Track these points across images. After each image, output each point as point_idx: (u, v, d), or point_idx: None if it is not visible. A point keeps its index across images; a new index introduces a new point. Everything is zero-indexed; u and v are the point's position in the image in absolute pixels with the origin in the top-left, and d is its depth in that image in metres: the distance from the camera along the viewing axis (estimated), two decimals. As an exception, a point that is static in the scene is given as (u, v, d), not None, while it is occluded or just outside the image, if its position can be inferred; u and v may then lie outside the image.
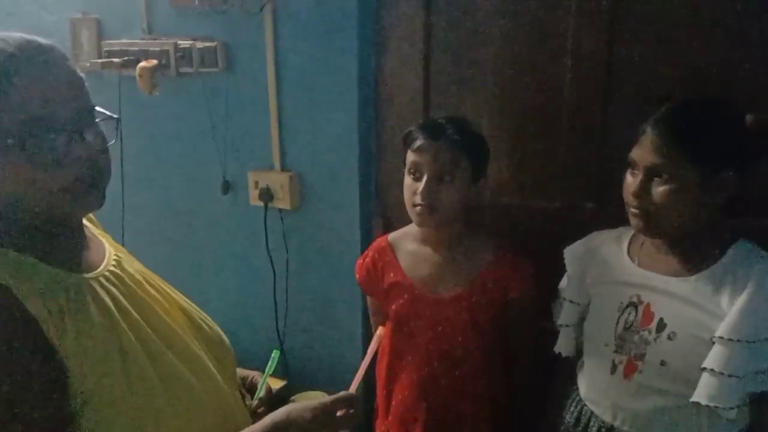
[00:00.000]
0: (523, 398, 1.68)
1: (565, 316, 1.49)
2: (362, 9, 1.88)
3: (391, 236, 1.73)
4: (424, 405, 1.64)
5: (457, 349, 1.60)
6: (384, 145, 1.98)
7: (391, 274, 1.67)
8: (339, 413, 1.12)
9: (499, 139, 1.74)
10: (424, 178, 1.52)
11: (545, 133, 1.72)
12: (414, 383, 1.66)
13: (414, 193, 1.54)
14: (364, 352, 2.10)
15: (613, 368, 1.37)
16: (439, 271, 1.63)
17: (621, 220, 1.43)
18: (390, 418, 1.72)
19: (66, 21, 2.34)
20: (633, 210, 1.32)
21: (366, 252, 1.77)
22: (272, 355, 1.30)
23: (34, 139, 0.89)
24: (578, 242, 1.51)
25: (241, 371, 1.27)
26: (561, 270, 1.54)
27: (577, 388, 1.49)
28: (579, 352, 1.51)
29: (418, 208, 1.54)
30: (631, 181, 1.31)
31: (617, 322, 1.37)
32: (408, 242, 1.69)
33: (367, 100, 1.96)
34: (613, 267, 1.42)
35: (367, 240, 2.02)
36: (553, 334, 1.54)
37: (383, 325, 1.55)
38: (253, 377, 1.30)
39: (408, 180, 1.57)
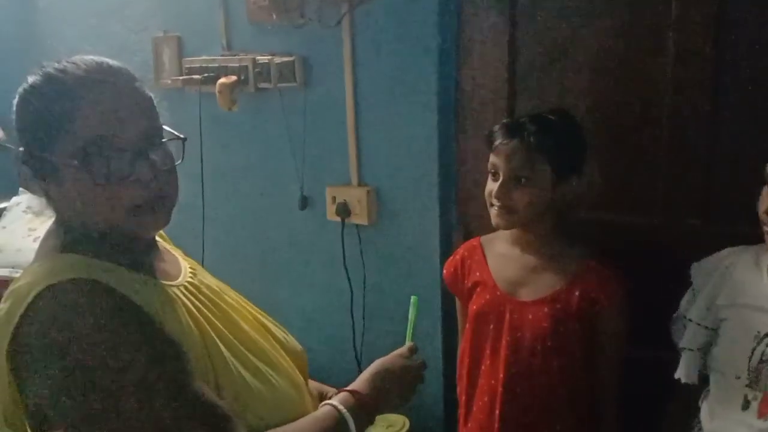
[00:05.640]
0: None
1: (688, 338, 1.34)
2: (443, 19, 1.81)
3: (484, 237, 1.68)
4: (497, 413, 1.56)
5: (536, 357, 1.51)
6: (465, 157, 1.88)
7: (477, 273, 1.61)
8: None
9: (591, 149, 1.59)
10: (500, 179, 1.47)
11: (643, 142, 1.60)
12: (492, 389, 1.57)
13: (491, 193, 1.50)
14: (444, 369, 2.09)
15: (746, 404, 1.21)
16: (525, 275, 1.55)
17: (729, 239, 1.31)
18: (470, 424, 1.64)
19: (149, 40, 2.35)
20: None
21: (457, 251, 1.71)
22: (411, 300, 1.26)
23: (100, 159, 0.90)
24: (708, 258, 1.36)
25: (320, 386, 1.23)
26: (659, 290, 1.42)
27: (700, 422, 1.33)
28: (702, 380, 1.36)
29: (495, 208, 1.50)
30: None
31: (752, 353, 1.20)
32: (498, 243, 1.63)
33: (447, 112, 1.88)
34: (749, 290, 1.26)
35: (447, 255, 1.92)
36: (647, 362, 1.41)
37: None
38: (331, 395, 1.23)
39: (488, 180, 1.53)
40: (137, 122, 0.93)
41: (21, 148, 0.93)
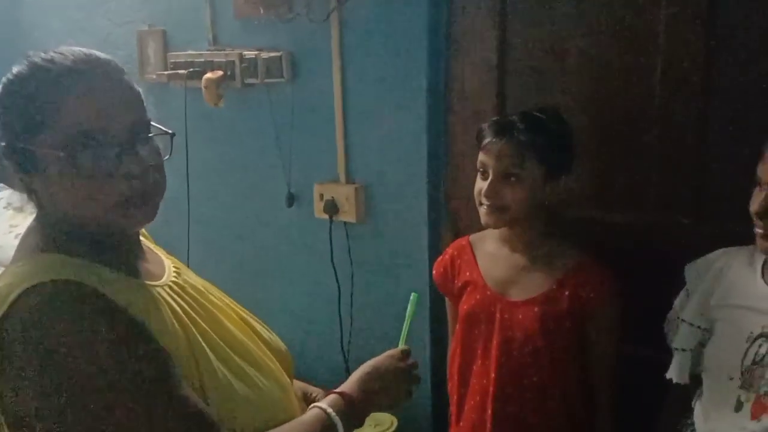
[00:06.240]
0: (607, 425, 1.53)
1: (681, 339, 1.33)
2: (433, 15, 1.79)
3: (473, 236, 1.66)
4: (489, 413, 1.55)
5: (527, 357, 1.50)
6: (455, 154, 1.85)
7: (467, 273, 1.60)
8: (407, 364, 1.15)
9: (582, 147, 1.58)
10: (489, 177, 1.46)
11: (634, 140, 1.57)
12: (483, 389, 1.56)
13: (480, 192, 1.48)
14: (433, 368, 2.07)
15: (738, 406, 1.19)
16: (515, 274, 1.55)
17: (722, 238, 1.29)
18: (462, 424, 1.63)
19: (133, 33, 2.31)
20: (758, 230, 1.15)
21: (446, 250, 1.69)
22: (411, 298, 1.22)
23: (86, 152, 0.88)
24: (702, 258, 1.35)
25: (305, 386, 1.21)
26: (652, 289, 1.40)
27: (692, 423, 1.32)
28: (696, 380, 1.35)
29: (484, 207, 1.48)
30: (759, 198, 1.15)
31: (745, 354, 1.19)
32: (488, 242, 1.62)
33: (437, 109, 1.85)
34: (743, 290, 1.24)
35: (435, 253, 1.89)
36: (639, 361, 1.40)
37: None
38: (316, 395, 1.22)
39: (477, 178, 1.51)
40: (125, 115, 0.91)
41: (3, 141, 0.90)
